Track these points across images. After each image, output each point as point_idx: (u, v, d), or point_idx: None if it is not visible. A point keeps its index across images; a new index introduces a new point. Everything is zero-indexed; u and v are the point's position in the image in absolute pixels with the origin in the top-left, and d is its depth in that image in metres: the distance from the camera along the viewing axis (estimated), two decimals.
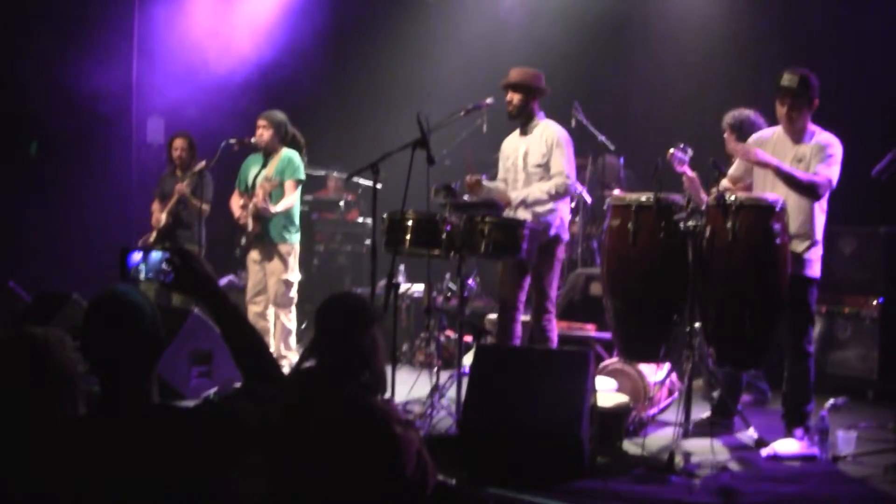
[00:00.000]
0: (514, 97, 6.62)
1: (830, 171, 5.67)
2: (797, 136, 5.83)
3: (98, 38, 10.26)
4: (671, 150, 6.27)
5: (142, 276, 2.79)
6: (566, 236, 6.77)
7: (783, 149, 5.86)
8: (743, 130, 6.49)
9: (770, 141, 5.96)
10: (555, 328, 6.68)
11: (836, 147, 5.74)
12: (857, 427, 5.85)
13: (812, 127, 5.84)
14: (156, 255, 2.80)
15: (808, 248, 5.74)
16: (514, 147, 6.76)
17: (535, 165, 6.58)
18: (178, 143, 8.69)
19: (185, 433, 2.57)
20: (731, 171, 6.20)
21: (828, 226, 7.65)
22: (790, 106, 5.76)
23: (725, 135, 6.72)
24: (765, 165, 5.70)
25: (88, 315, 2.62)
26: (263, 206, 7.20)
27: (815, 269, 5.79)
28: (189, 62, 10.35)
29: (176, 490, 2.52)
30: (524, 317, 6.88)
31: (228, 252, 7.95)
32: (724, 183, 6.04)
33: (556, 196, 6.54)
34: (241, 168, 7.68)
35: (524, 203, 6.46)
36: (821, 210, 5.81)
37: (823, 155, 5.69)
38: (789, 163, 5.76)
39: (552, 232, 6.54)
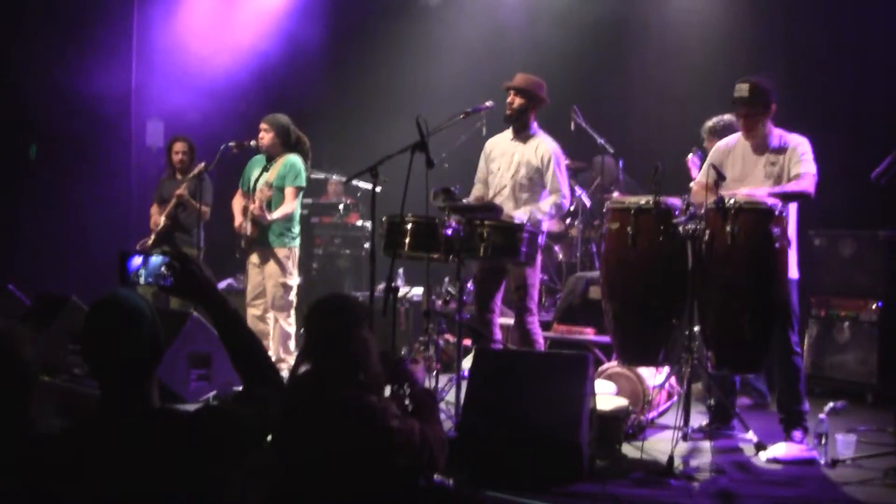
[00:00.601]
0: (516, 100, 6.64)
1: (811, 167, 5.75)
2: (762, 141, 5.90)
3: (97, 41, 10.27)
4: (689, 156, 6.33)
5: (141, 280, 2.80)
6: (543, 241, 6.86)
7: (751, 157, 5.91)
8: (725, 135, 6.58)
9: (736, 148, 6.02)
10: (539, 329, 6.70)
11: (805, 144, 5.84)
12: (857, 430, 5.85)
13: (777, 130, 5.90)
14: (155, 259, 2.80)
15: None
16: (503, 151, 6.76)
17: (526, 178, 6.61)
18: (179, 146, 8.69)
19: (185, 436, 2.57)
20: (699, 178, 6.24)
21: (828, 229, 7.69)
22: (745, 115, 5.85)
23: (706, 143, 6.91)
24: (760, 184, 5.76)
25: (89, 318, 2.63)
26: (260, 214, 7.21)
27: (792, 270, 5.80)
28: (188, 65, 10.36)
29: (176, 492, 2.52)
30: (508, 320, 6.89)
31: (227, 255, 7.95)
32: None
33: (554, 214, 6.64)
34: (246, 168, 7.68)
35: (529, 222, 6.47)
36: (793, 212, 5.84)
37: (797, 157, 5.78)
38: (761, 168, 5.85)
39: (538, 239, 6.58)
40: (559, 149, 6.74)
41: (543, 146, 6.64)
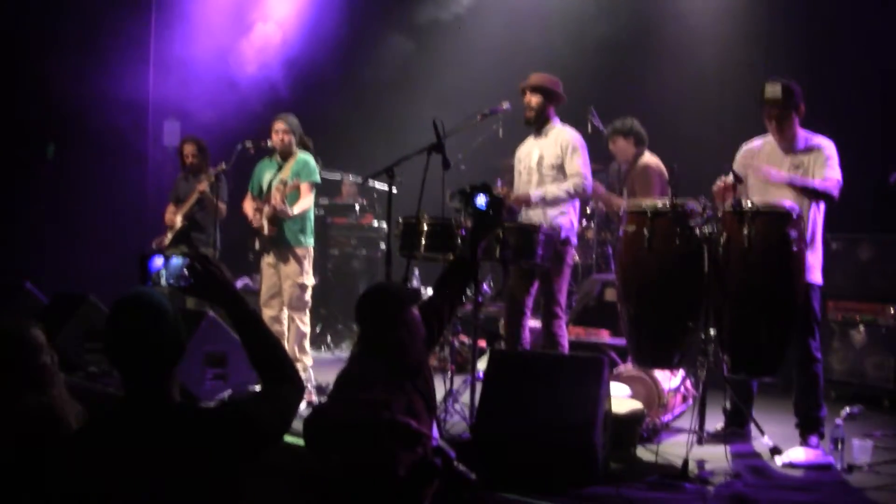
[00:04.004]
0: (533, 99, 6.64)
1: (837, 173, 5.74)
2: (789, 143, 5.89)
3: (115, 43, 10.33)
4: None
5: (162, 281, 2.83)
6: (575, 240, 6.80)
7: (777, 158, 5.90)
8: (631, 132, 7.50)
9: (762, 151, 6.00)
10: (565, 333, 6.66)
11: (832, 148, 5.83)
12: (873, 436, 5.82)
13: (803, 133, 5.88)
14: (176, 260, 2.83)
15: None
16: (527, 152, 6.77)
17: (550, 167, 6.60)
18: (188, 148, 8.73)
19: (205, 432, 2.59)
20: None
21: (846, 233, 7.66)
22: (778, 117, 5.83)
23: (617, 142, 7.64)
24: (780, 182, 5.72)
25: (113, 315, 2.66)
26: (282, 209, 7.20)
27: (816, 275, 5.78)
28: (205, 65, 10.39)
29: (195, 487, 2.54)
30: (533, 322, 6.87)
31: (243, 255, 7.97)
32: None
33: (574, 195, 6.55)
34: (254, 172, 7.68)
35: (543, 200, 6.46)
36: (818, 215, 5.81)
37: (824, 160, 5.76)
38: (787, 169, 5.84)
39: (563, 235, 6.53)
40: (580, 137, 6.73)
41: (564, 134, 6.64)
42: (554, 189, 6.50)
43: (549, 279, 6.50)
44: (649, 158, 7.66)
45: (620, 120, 7.66)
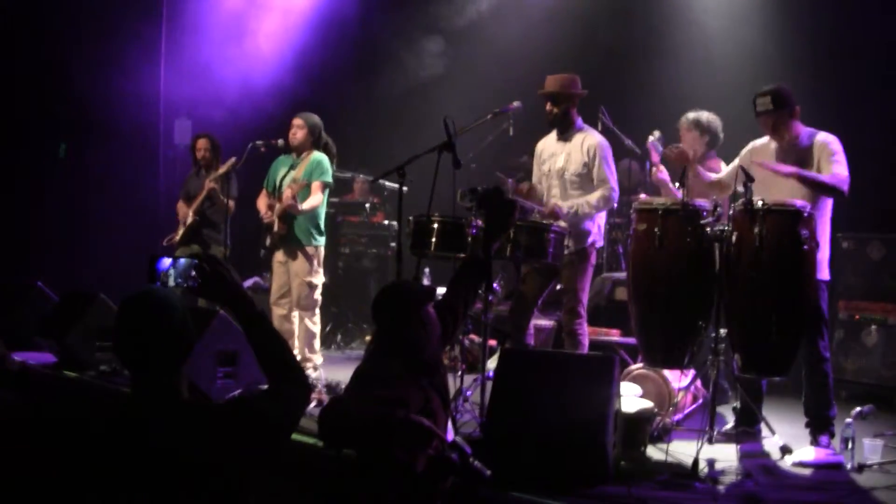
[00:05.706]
0: (555, 108, 6.59)
1: (844, 169, 5.73)
2: (792, 142, 5.91)
3: (127, 41, 10.34)
4: (650, 139, 6.44)
5: (170, 281, 2.84)
6: (601, 242, 6.81)
7: (780, 154, 5.93)
8: (709, 132, 7.06)
9: (766, 148, 6.00)
10: (586, 332, 6.64)
11: (837, 144, 5.82)
12: (884, 435, 5.80)
13: (806, 129, 5.90)
14: (185, 261, 2.85)
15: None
16: (551, 152, 6.72)
17: (575, 175, 6.56)
18: (201, 143, 8.76)
19: (213, 428, 2.60)
20: (722, 175, 6.25)
21: (856, 232, 7.64)
22: (773, 125, 5.88)
23: (691, 131, 7.15)
24: (788, 175, 5.70)
25: (122, 311, 2.68)
26: (291, 204, 7.22)
27: (823, 272, 5.76)
28: (216, 64, 10.40)
29: (203, 484, 2.55)
30: (544, 321, 6.85)
31: (254, 253, 7.99)
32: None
33: (602, 207, 6.56)
34: (270, 169, 7.72)
35: (575, 215, 6.42)
36: (823, 212, 5.79)
37: (830, 156, 5.75)
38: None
39: (590, 240, 6.53)
40: (606, 141, 6.70)
41: (589, 139, 6.60)
42: (584, 206, 6.45)
43: (574, 279, 6.49)
44: (713, 163, 7.21)
45: (707, 113, 7.23)
